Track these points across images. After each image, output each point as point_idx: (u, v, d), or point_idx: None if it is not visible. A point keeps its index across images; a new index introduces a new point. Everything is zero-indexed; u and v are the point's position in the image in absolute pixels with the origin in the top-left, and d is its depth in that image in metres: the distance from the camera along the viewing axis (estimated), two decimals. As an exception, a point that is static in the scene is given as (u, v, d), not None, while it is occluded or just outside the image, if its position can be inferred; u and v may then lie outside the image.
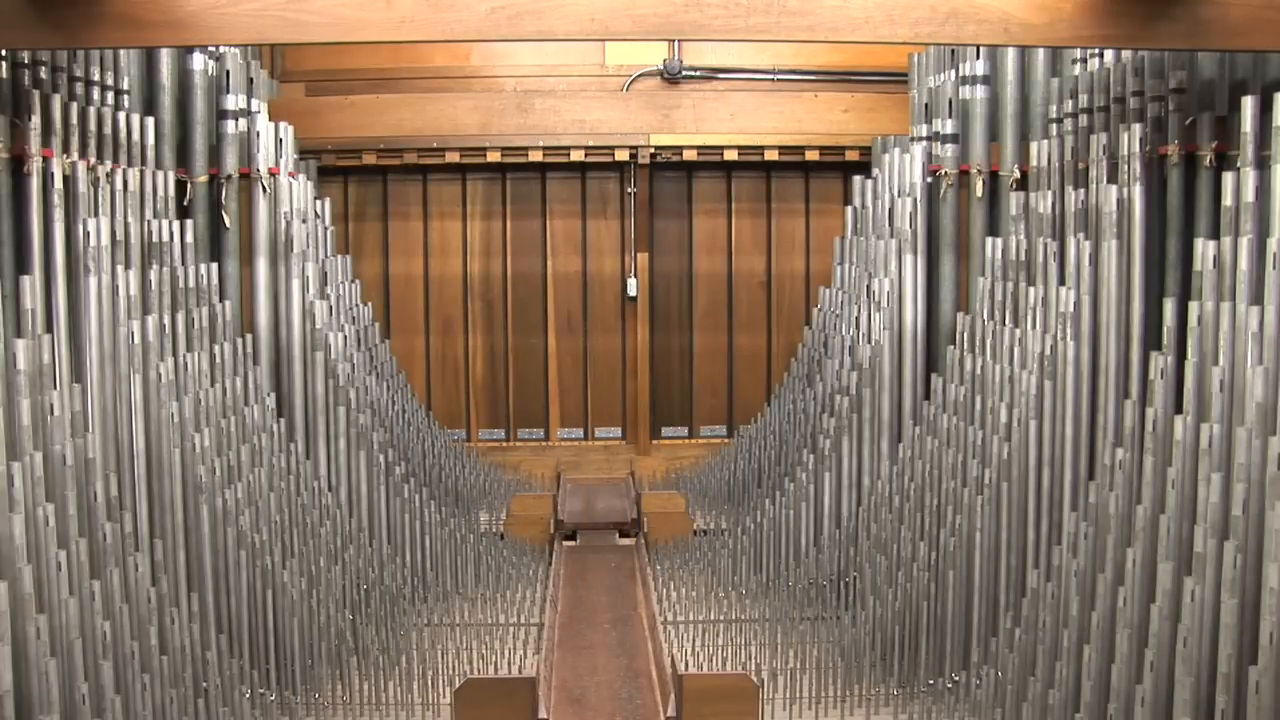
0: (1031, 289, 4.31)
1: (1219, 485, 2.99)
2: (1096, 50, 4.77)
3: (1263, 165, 3.32)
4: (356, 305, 6.13)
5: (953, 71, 5.64)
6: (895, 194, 5.47)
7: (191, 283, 4.46)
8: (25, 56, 4.15)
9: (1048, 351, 4.13)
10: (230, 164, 5.46)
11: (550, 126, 7.31)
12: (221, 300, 4.80)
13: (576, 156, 7.44)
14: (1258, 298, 3.07)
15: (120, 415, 3.94)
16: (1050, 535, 4.03)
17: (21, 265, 4.03)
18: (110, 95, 4.78)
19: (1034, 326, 4.25)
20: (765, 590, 5.17)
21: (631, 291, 7.76)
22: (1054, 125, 5.07)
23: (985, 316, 4.64)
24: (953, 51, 5.67)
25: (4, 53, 4.02)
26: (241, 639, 4.03)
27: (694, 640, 4.55)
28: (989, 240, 4.81)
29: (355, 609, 4.62)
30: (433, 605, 5.05)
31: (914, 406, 5.23)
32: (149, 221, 4.37)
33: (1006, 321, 4.46)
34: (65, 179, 4.09)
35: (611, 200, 7.82)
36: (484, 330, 7.90)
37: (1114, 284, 4.12)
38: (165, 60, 5.32)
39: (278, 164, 5.48)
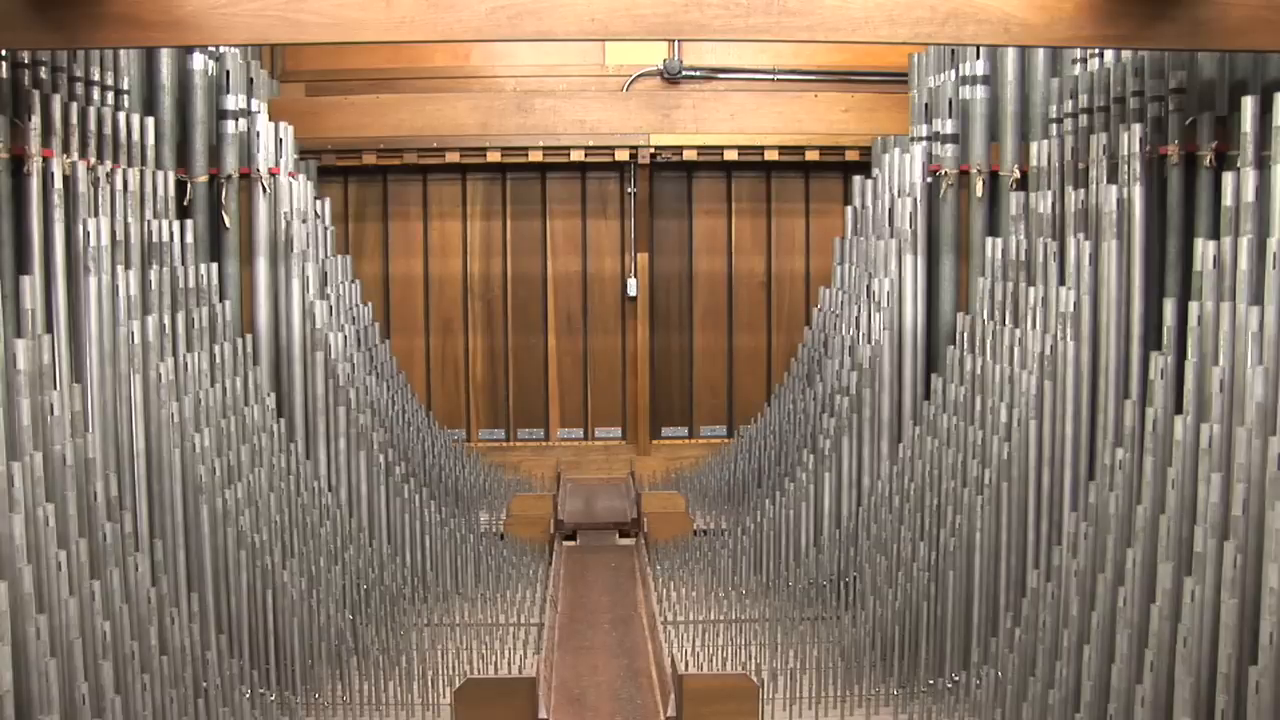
0: (1031, 289, 4.31)
1: (1219, 485, 2.99)
2: (1096, 50, 4.77)
3: (1263, 165, 3.32)
4: (356, 305, 6.13)
5: (953, 71, 5.64)
6: (895, 194, 5.47)
7: (191, 283, 4.46)
8: (25, 56, 4.15)
9: (1048, 351, 4.13)
10: (230, 164, 5.46)
11: (550, 126, 7.30)
12: (221, 300, 4.81)
13: (576, 156, 7.43)
14: (1258, 298, 3.07)
15: (120, 415, 3.94)
16: (1050, 535, 4.03)
17: (21, 265, 4.03)
18: (110, 95, 4.78)
19: (1034, 326, 4.25)
20: (765, 590, 5.17)
21: (631, 291, 7.76)
22: (1054, 125, 5.07)
23: (985, 316, 4.64)
24: (953, 51, 5.67)
25: (4, 53, 4.02)
26: (241, 639, 4.03)
27: (694, 640, 4.55)
28: (989, 240, 4.81)
29: (355, 609, 4.62)
30: (433, 605, 5.05)
31: (914, 406, 5.23)
32: (149, 221, 4.37)
33: (1006, 321, 4.46)
34: (65, 179, 4.09)
35: (611, 200, 7.82)
36: (484, 330, 7.90)
37: (1114, 284, 4.12)
38: (165, 60, 5.33)
39: (278, 164, 5.48)
